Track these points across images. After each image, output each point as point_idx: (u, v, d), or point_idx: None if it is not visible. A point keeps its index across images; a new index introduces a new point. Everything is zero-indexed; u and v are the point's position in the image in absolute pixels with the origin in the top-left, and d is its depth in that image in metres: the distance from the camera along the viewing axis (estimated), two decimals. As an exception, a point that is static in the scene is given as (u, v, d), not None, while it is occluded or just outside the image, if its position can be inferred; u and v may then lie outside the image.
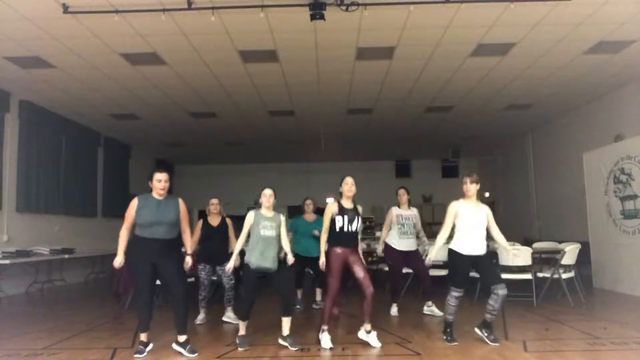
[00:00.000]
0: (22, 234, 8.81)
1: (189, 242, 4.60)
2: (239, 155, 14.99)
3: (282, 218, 4.69)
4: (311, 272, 6.89)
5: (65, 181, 10.17)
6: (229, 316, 5.77)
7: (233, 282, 5.77)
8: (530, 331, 5.12)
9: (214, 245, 5.74)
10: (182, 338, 4.36)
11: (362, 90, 8.77)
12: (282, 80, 8.14)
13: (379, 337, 4.58)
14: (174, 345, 4.39)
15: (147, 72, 7.64)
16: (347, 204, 4.71)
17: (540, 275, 6.68)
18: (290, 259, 4.63)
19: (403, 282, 6.82)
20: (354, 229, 4.63)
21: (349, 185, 4.70)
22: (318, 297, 6.73)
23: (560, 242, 7.73)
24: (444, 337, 4.64)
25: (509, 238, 11.27)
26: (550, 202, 11.48)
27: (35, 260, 8.61)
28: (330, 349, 4.42)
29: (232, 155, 15.09)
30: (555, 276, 6.63)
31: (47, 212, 9.56)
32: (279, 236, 4.61)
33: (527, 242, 8.29)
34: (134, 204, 4.35)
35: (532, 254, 6.59)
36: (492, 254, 4.65)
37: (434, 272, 6.89)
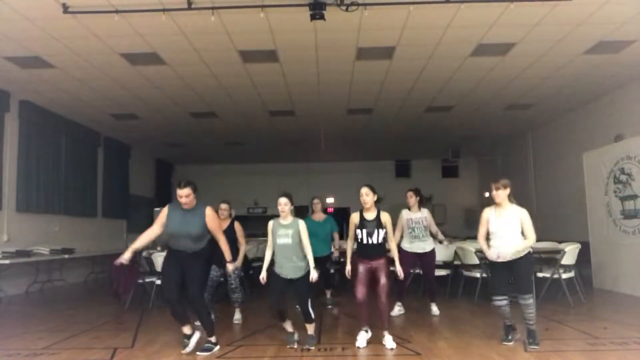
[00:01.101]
0: (22, 234, 8.81)
1: (226, 249, 4.60)
2: (239, 155, 14.98)
3: (301, 224, 4.56)
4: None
5: (65, 181, 10.16)
6: (238, 318, 5.86)
7: (237, 286, 5.74)
8: (530, 331, 5.11)
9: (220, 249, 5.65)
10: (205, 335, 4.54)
11: (362, 90, 8.77)
12: (282, 80, 8.13)
13: (380, 337, 4.58)
14: None
15: (147, 72, 7.63)
16: (369, 215, 4.66)
17: (540, 275, 6.67)
18: (314, 276, 4.52)
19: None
20: (374, 241, 4.58)
21: (362, 197, 4.65)
22: (328, 296, 6.92)
23: (560, 242, 7.72)
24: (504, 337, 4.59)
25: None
26: (550, 202, 11.48)
27: (35, 260, 8.62)
28: (359, 347, 4.48)
29: (232, 155, 15.08)
30: (555, 276, 6.63)
31: (47, 212, 9.56)
32: (298, 243, 4.51)
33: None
34: (164, 211, 4.45)
35: (532, 254, 6.57)
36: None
37: (437, 272, 6.94)
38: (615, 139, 8.36)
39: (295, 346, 4.51)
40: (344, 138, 12.88)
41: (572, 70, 7.79)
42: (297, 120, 10.86)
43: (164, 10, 5.48)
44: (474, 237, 12.35)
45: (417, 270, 6.82)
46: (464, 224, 16.29)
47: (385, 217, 4.65)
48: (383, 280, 4.54)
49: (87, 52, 6.75)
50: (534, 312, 4.39)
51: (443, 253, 7.51)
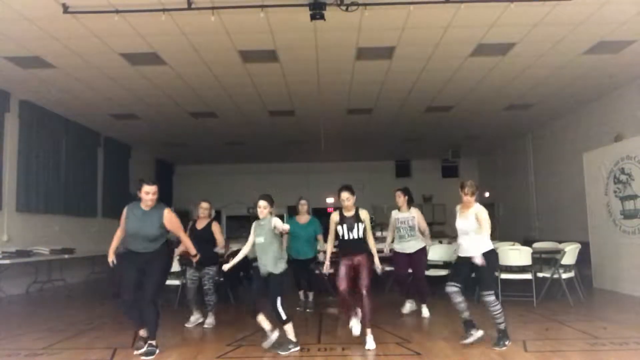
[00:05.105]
0: (22, 234, 8.80)
1: (190, 246, 4.75)
2: (239, 155, 14.98)
3: (272, 221, 4.50)
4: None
5: (65, 181, 10.16)
6: (209, 322, 5.59)
7: (209, 288, 5.59)
8: (530, 331, 5.11)
9: (198, 248, 5.18)
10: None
11: (362, 90, 8.77)
12: (282, 80, 8.13)
13: (379, 337, 4.59)
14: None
15: (147, 72, 7.63)
16: (348, 213, 4.87)
17: (540, 275, 6.68)
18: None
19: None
20: (354, 236, 4.76)
21: (344, 202, 4.88)
22: (302, 298, 6.71)
23: (560, 242, 7.72)
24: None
25: (508, 238, 11.26)
26: (550, 202, 11.47)
27: (35, 260, 8.61)
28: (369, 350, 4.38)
29: (232, 155, 15.08)
30: (555, 276, 6.63)
31: (47, 212, 9.55)
32: (270, 242, 4.49)
33: (527, 242, 8.29)
34: (123, 214, 4.47)
35: (532, 254, 6.59)
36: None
37: (434, 273, 6.97)
38: (615, 139, 8.35)
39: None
40: (344, 138, 12.88)
41: (572, 70, 7.79)
42: (297, 120, 10.85)
43: (164, 10, 5.47)
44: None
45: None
46: (464, 224, 16.26)
47: (364, 213, 4.88)
48: (363, 280, 4.62)
49: (87, 52, 6.75)
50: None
51: (444, 253, 7.51)
